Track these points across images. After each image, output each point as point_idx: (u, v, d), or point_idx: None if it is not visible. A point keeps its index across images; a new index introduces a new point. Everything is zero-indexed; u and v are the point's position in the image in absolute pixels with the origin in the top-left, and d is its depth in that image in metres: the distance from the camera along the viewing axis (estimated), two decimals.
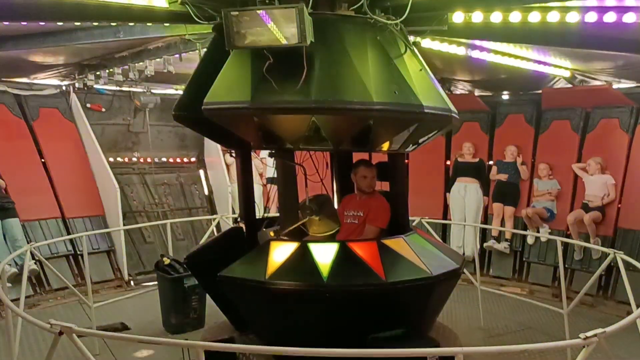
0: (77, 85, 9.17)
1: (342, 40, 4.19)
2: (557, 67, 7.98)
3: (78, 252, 8.35)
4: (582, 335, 3.00)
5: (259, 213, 5.44)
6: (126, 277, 8.84)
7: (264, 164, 9.58)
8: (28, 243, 7.16)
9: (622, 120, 8.19)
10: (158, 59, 7.80)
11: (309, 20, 3.73)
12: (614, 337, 3.21)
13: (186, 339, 5.47)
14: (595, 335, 3.00)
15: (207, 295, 6.04)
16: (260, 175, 9.86)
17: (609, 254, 5.61)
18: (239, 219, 5.36)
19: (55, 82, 9.14)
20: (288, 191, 4.67)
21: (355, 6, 4.23)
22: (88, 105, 9.56)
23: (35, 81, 8.92)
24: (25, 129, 8.81)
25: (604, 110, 8.41)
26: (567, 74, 8.17)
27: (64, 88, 9.32)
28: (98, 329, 5.73)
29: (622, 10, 4.95)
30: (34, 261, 7.31)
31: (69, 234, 8.52)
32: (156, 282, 6.95)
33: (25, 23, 5.67)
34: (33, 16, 5.08)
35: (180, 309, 6.48)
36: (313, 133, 4.15)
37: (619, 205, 8.03)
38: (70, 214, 8.86)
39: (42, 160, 8.90)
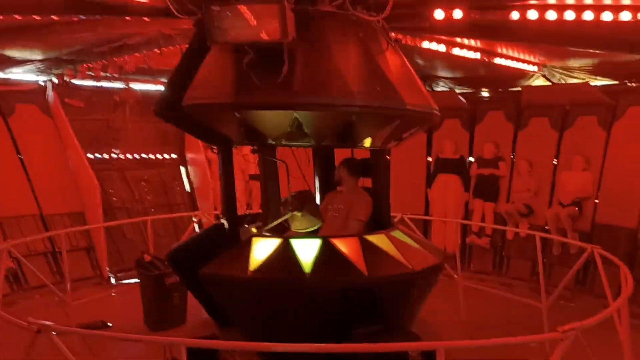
0: (55, 80, 9.02)
1: (324, 37, 4.20)
2: (536, 64, 8.10)
3: (56, 250, 8.24)
4: (559, 329, 3.06)
5: (241, 209, 5.43)
6: (106, 275, 8.75)
7: (246, 160, 9.54)
8: (5, 240, 7.05)
9: (599, 118, 8.33)
10: (138, 54, 7.71)
11: (290, 16, 3.73)
12: (591, 331, 3.27)
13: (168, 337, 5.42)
14: (572, 328, 3.05)
15: (189, 292, 6.00)
16: (242, 171, 9.82)
17: (587, 249, 5.71)
18: (220, 216, 5.34)
19: (32, 77, 8.98)
20: (270, 187, 4.67)
21: (337, 2, 4.23)
22: (66, 100, 9.41)
23: (12, 76, 8.75)
24: (1, 124, 8.64)
25: (582, 108, 8.54)
26: (546, 71, 8.28)
27: (41, 83, 9.16)
28: (77, 326, 5.66)
29: (599, 9, 5.05)
30: (11, 259, 7.19)
31: (47, 231, 8.40)
32: (137, 280, 6.88)
33: (0, 17, 5.56)
34: (9, 9, 5.00)
35: (162, 306, 6.42)
36: (295, 129, 4.15)
37: (596, 201, 8.18)
38: (48, 210, 8.73)
39: (19, 156, 8.75)
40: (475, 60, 7.54)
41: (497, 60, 7.70)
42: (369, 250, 4.33)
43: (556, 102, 8.77)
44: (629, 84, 8.18)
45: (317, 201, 5.36)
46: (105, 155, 10.11)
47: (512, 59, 7.83)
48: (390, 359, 3.39)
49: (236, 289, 4.31)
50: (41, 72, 8.79)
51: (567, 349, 3.06)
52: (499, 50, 7.54)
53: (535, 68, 8.23)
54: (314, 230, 4.90)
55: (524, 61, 7.99)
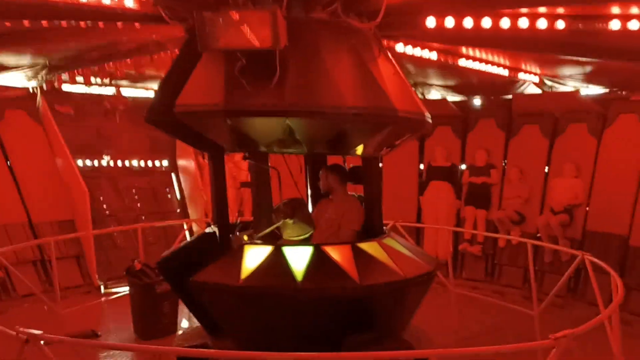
0: (44, 86, 8.96)
1: (316, 44, 4.19)
2: (527, 72, 8.15)
3: (46, 258, 8.15)
4: (551, 336, 3.06)
5: (232, 217, 5.39)
6: (96, 283, 8.67)
7: (238, 167, 9.50)
8: None
9: (589, 125, 8.38)
10: (128, 60, 7.67)
11: (282, 23, 3.72)
12: (583, 337, 3.27)
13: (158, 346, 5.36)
14: (564, 336, 3.05)
15: (180, 301, 5.95)
16: (234, 178, 9.78)
17: (578, 256, 5.73)
18: (211, 223, 5.30)
19: (22, 83, 8.91)
20: (262, 195, 4.65)
21: (330, 10, 4.23)
22: (56, 107, 9.34)
23: (1, 82, 8.67)
24: None
25: (573, 115, 8.60)
26: (537, 79, 8.34)
27: (31, 89, 9.09)
28: (67, 336, 5.58)
29: (591, 18, 5.09)
30: None
31: (36, 239, 8.31)
32: (127, 288, 6.82)
33: None
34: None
35: (152, 314, 6.36)
36: (287, 136, 4.14)
37: (587, 208, 8.21)
38: (37, 218, 8.64)
39: (8, 163, 8.66)
40: (466, 67, 7.56)
41: (489, 69, 7.74)
42: (361, 257, 4.32)
43: (547, 110, 8.83)
44: (619, 92, 8.25)
45: (309, 208, 5.34)
46: (96, 163, 10.02)
47: (506, 67, 7.89)
48: None
49: (227, 297, 4.28)
50: (31, 78, 8.73)
51: (559, 356, 3.06)
52: (494, 59, 7.58)
53: (534, 78, 8.28)
54: (306, 238, 4.88)
55: (520, 70, 8.04)
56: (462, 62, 7.38)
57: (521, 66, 7.97)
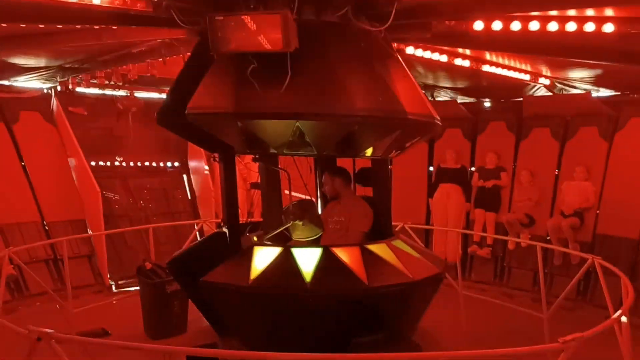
0: (58, 88, 9.07)
1: (326, 47, 4.22)
2: (538, 75, 8.12)
3: (58, 257, 8.24)
4: (560, 340, 3.06)
5: (242, 218, 5.43)
6: (107, 282, 8.75)
7: (248, 168, 9.55)
8: (6, 247, 7.06)
9: (600, 128, 8.34)
10: (141, 63, 7.75)
11: (293, 26, 3.76)
12: (592, 341, 3.26)
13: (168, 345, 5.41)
14: (573, 339, 3.05)
15: (190, 300, 6.00)
16: (244, 179, 9.83)
17: (588, 259, 5.70)
18: (222, 224, 5.35)
19: (36, 85, 9.03)
20: (272, 196, 4.68)
21: (340, 13, 4.26)
22: (70, 108, 9.45)
23: (16, 84, 8.80)
24: (4, 132, 8.68)
25: (583, 118, 8.56)
26: (547, 82, 8.30)
27: (45, 91, 9.21)
28: (78, 334, 5.65)
29: (601, 20, 5.07)
30: (13, 266, 7.19)
31: (48, 238, 8.40)
32: (138, 287, 6.88)
33: (5, 25, 5.60)
34: (14, 18, 5.03)
35: (162, 314, 6.42)
36: (297, 138, 4.17)
37: (598, 212, 8.17)
38: (50, 218, 8.75)
39: (22, 163, 8.78)
40: (476, 70, 7.56)
41: (500, 71, 7.72)
42: (369, 259, 4.34)
43: (557, 112, 8.79)
44: (631, 95, 8.20)
45: (319, 210, 5.36)
46: (108, 163, 10.14)
47: (516, 70, 7.88)
48: None
49: (237, 297, 4.31)
50: (45, 80, 8.84)
51: (568, 359, 3.05)
52: (502, 62, 7.56)
53: (545, 81, 8.26)
54: (315, 240, 4.91)
55: (526, 72, 8.02)
56: (472, 65, 7.37)
57: (532, 69, 7.95)
